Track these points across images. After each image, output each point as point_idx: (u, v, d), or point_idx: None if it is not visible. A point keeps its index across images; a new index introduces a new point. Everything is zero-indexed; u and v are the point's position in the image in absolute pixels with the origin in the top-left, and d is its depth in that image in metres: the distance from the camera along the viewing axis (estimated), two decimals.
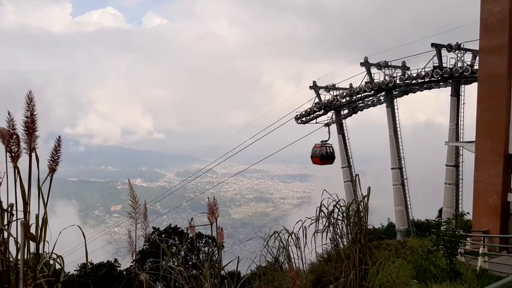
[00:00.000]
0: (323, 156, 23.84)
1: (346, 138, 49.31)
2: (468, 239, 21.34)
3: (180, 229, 31.07)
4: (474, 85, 30.73)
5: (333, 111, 49.36)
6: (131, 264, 28.31)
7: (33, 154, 3.21)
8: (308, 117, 50.02)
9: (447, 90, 39.88)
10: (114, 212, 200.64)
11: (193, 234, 5.55)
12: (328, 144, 23.23)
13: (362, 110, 51.15)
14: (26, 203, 3.23)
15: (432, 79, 38.61)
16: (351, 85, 46.16)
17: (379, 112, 48.08)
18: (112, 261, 29.94)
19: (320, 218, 7.97)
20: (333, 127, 49.94)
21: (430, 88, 43.36)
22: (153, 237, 26.25)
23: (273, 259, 7.68)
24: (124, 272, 28.13)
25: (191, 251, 15.96)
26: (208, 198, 4.77)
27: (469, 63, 37.25)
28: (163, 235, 28.21)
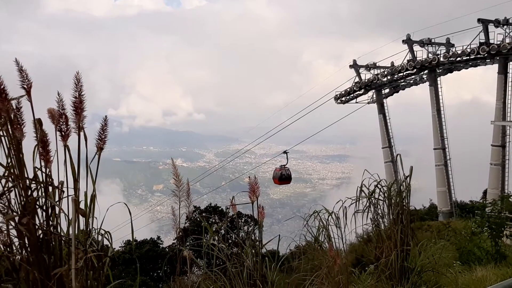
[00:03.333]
0: (281, 177, 25.82)
1: (387, 118, 48.38)
2: None
3: (220, 208, 31.61)
4: None
5: (373, 91, 48.41)
6: (174, 241, 29.16)
7: (81, 134, 3.33)
8: (348, 97, 49.27)
9: (494, 68, 38.22)
10: (156, 191, 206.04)
11: (234, 212, 5.63)
12: (286, 168, 25.65)
13: (404, 89, 49.89)
14: (76, 181, 3.36)
15: (478, 56, 37.03)
16: (392, 63, 44.91)
17: (422, 90, 46.74)
18: (155, 238, 30.85)
19: (361, 198, 7.91)
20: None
21: (475, 66, 41.70)
22: (194, 215, 26.82)
23: (313, 239, 7.70)
24: (167, 249, 28.97)
25: (232, 229, 16.23)
26: (249, 177, 4.82)
27: None
28: (203, 214, 28.79)
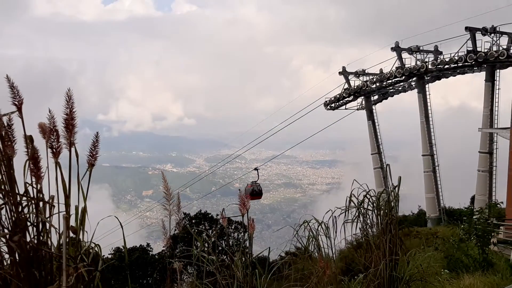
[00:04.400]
0: (252, 193, 26.42)
1: (376, 124, 48.76)
2: (501, 228, 20.91)
3: (210, 215, 31.54)
4: (510, 70, 29.81)
5: (362, 97, 48.78)
6: (163, 248, 29.01)
7: (73, 149, 3.34)
8: (337, 103, 49.58)
9: (482, 75, 38.76)
10: (146, 197, 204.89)
11: (224, 224, 5.66)
12: (257, 183, 26.36)
13: (392, 96, 50.37)
14: (67, 197, 3.37)
15: (466, 63, 37.54)
16: (381, 70, 45.34)
17: (411, 97, 47.19)
18: (145, 245, 30.71)
19: (350, 208, 7.98)
20: (357, 115, 49.49)
21: (463, 73, 42.27)
22: (183, 222, 26.77)
23: (303, 248, 7.75)
24: (156, 256, 28.84)
25: (221, 237, 16.24)
26: (239, 190, 4.86)
27: (505, 46, 35.99)
28: (193, 221, 28.72)
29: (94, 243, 3.78)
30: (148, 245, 30.97)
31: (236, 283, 5.14)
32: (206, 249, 5.90)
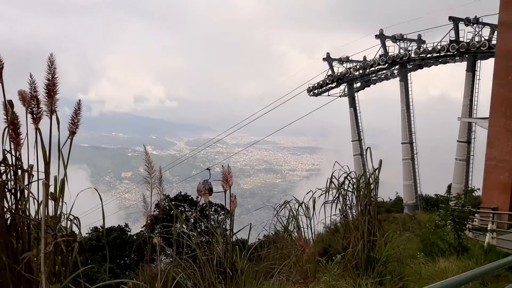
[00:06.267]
0: (204, 189, 27.27)
1: (358, 111, 49.10)
2: (476, 215, 21.37)
3: (190, 197, 31.51)
4: (490, 61, 30.14)
5: (345, 84, 48.97)
6: (142, 229, 28.92)
7: (54, 117, 3.27)
8: (320, 90, 49.72)
9: (463, 65, 39.23)
10: (125, 179, 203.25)
11: (206, 201, 5.64)
12: (209, 182, 27.37)
13: (375, 84, 50.69)
14: (47, 164, 3.30)
15: (448, 53, 37.94)
16: (365, 57, 45.54)
17: (393, 86, 47.62)
18: (123, 226, 30.55)
19: (330, 189, 8.05)
20: (341, 101, 49.78)
21: (445, 63, 42.67)
22: (163, 203, 26.67)
23: (283, 228, 7.81)
24: (135, 237, 28.75)
25: (202, 219, 16.22)
26: (222, 166, 4.84)
27: (486, 37, 36.44)
28: (173, 202, 28.65)
29: (73, 216, 3.73)
30: (126, 225, 30.82)
31: (216, 259, 5.14)
32: (187, 226, 5.88)
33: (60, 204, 3.50)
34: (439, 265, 9.72)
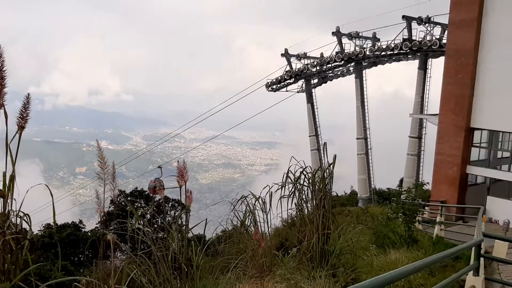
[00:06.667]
0: (154, 188, 27.72)
1: (315, 107, 49.82)
2: (426, 208, 22.24)
3: (146, 193, 31.04)
4: (441, 59, 31.34)
5: (303, 80, 49.57)
6: (97, 225, 28.24)
7: (1, 111, 3.17)
8: (278, 85, 50.13)
9: (416, 63, 40.57)
10: (79, 174, 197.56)
11: (161, 196, 5.61)
12: (160, 180, 28.00)
13: (331, 80, 51.58)
14: None
15: (401, 51, 39.12)
16: (322, 54, 46.25)
17: (348, 82, 48.59)
18: (77, 222, 29.75)
19: (287, 184, 8.17)
20: (301, 96, 50.39)
21: (398, 61, 43.92)
22: (119, 199, 26.16)
23: (239, 223, 7.86)
24: (89, 233, 28.07)
25: (158, 214, 16.05)
26: (178, 161, 4.82)
27: (437, 36, 37.81)
28: (129, 198, 28.14)
29: (23, 212, 3.63)
30: (80, 222, 30.02)
31: (171, 255, 5.13)
32: (142, 223, 5.82)
33: (9, 200, 3.40)
34: (390, 256, 10.08)
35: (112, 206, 25.93)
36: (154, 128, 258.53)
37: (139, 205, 27.40)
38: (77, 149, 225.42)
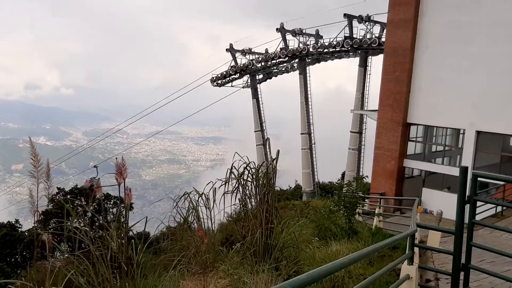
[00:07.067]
0: (91, 188, 28.04)
1: (260, 102, 50.19)
2: (366, 200, 23.04)
3: (92, 188, 30.09)
4: (380, 57, 32.52)
5: (248, 75, 49.76)
6: (34, 225, 27.02)
7: None
8: (224, 80, 50.03)
9: (356, 60, 41.84)
10: (15, 172, 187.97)
11: (100, 195, 5.44)
12: (96, 179, 28.28)
13: (276, 76, 52.22)
14: None
15: (343, 48, 40.22)
16: (266, 50, 46.66)
17: (293, 78, 49.30)
18: (13, 222, 28.40)
19: (231, 179, 8.18)
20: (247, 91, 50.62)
21: (340, 58, 45.15)
22: (57, 197, 25.15)
23: (182, 220, 7.79)
24: (26, 233, 26.87)
25: (98, 212, 15.59)
26: (116, 158, 4.69)
27: (377, 35, 39.15)
28: (68, 196, 27.13)
29: None
30: (17, 221, 28.66)
31: (111, 254, 5.00)
32: (80, 222, 5.63)
33: None
34: (331, 248, 10.35)
35: (51, 205, 24.92)
36: (95, 123, 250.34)
37: (79, 203, 26.49)
38: (12, 146, 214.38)
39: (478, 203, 5.03)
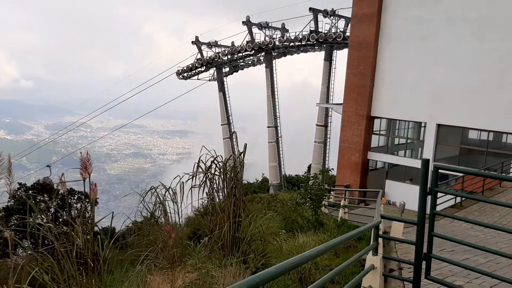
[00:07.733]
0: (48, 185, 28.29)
1: (227, 96, 50.07)
2: (332, 192, 23.44)
3: (49, 186, 29.27)
4: (345, 51, 32.99)
5: (214, 68, 49.51)
6: None
7: None
8: (190, 73, 49.63)
9: (322, 54, 42.23)
10: None
11: (64, 190, 5.34)
12: (49, 179, 28.54)
13: (243, 69, 52.15)
14: None
15: (308, 42, 40.52)
16: (233, 43, 46.50)
17: (260, 71, 49.36)
18: None
19: (198, 173, 8.16)
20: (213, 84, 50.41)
21: (306, 51, 45.48)
22: (19, 193, 24.38)
23: (149, 214, 7.73)
24: None
25: (62, 208, 15.27)
26: (81, 153, 4.61)
27: (342, 29, 39.63)
28: (30, 192, 26.34)
29: None
30: None
31: (76, 250, 4.92)
32: (44, 218, 5.51)
33: None
34: (298, 240, 10.49)
35: (12, 201, 24.18)
36: (58, 116, 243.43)
37: (42, 198, 25.80)
38: None
39: (439, 194, 5.19)
